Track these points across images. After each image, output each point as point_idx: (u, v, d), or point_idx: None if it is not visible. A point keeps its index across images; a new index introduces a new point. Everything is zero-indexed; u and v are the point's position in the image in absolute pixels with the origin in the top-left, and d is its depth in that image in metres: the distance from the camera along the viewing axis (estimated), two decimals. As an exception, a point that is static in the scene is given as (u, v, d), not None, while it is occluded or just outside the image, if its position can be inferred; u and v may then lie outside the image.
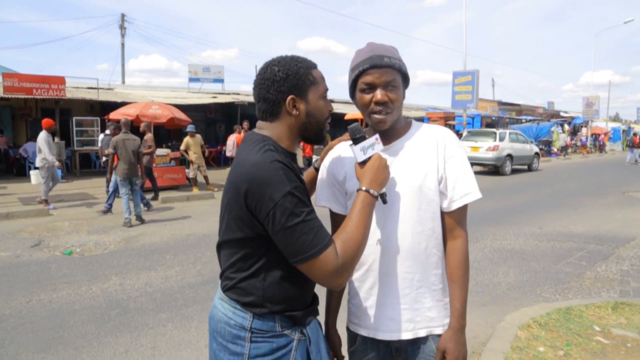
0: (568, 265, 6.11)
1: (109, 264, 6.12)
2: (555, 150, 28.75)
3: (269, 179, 1.28)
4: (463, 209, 1.58)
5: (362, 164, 1.45)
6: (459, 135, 20.03)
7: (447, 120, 25.23)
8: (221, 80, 25.66)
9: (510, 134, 18.97)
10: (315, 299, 1.54)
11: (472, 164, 16.88)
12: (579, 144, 32.08)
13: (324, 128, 1.50)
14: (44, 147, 9.63)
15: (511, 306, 4.59)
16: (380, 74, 1.49)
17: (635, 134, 27.03)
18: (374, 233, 1.57)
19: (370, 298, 1.61)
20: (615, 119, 57.09)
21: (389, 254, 1.56)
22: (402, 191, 1.55)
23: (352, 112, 20.86)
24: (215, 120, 23.56)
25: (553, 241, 7.38)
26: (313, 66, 1.46)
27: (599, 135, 35.71)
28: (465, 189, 1.56)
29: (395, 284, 1.57)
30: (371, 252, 1.58)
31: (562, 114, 46.38)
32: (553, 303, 4.54)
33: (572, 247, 6.98)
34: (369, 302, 1.62)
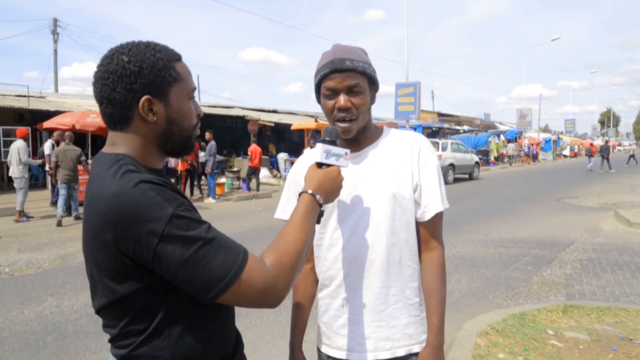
0: (516, 270, 6.27)
1: (44, 284, 5.65)
2: (493, 159, 30.11)
3: (140, 209, 0.96)
4: (438, 219, 1.51)
5: (319, 166, 1.32)
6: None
7: (390, 130, 25.70)
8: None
9: (452, 144, 19.62)
10: (239, 339, 1.28)
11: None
12: (516, 154, 33.73)
13: (192, 136, 1.19)
14: (24, 156, 9.73)
15: (467, 313, 4.61)
16: (342, 79, 1.40)
17: (592, 144, 30.82)
18: (345, 245, 1.47)
19: (342, 316, 1.51)
20: (545, 129, 60.63)
21: (362, 268, 1.47)
22: (375, 199, 1.46)
23: (298, 122, 20.82)
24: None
25: (499, 247, 7.58)
26: (177, 57, 1.14)
27: (532, 145, 37.71)
28: (439, 197, 1.49)
29: (370, 299, 1.47)
30: (342, 265, 1.48)
31: (497, 124, 48.62)
32: (507, 309, 4.61)
33: (518, 252, 7.20)
34: (340, 320, 1.51)
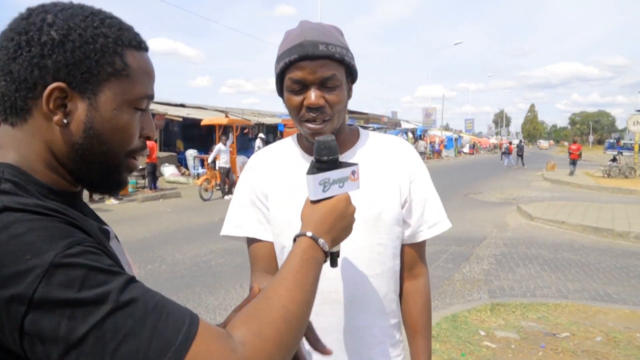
0: (438, 268, 6.29)
1: None
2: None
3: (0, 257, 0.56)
4: (425, 241, 1.29)
5: (316, 203, 0.90)
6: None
7: (303, 127, 25.59)
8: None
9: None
10: None
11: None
12: (425, 151, 35.25)
13: (121, 166, 0.77)
14: None
15: (397, 317, 4.47)
16: (314, 69, 1.07)
17: (510, 143, 34.31)
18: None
19: None
20: (447, 128, 64.31)
21: (339, 306, 1.17)
22: (355, 223, 1.13)
23: (208, 117, 19.88)
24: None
25: (419, 244, 7.63)
26: (133, 44, 0.74)
27: (435, 142, 39.76)
28: (435, 217, 1.26)
29: (347, 343, 1.18)
30: (315, 304, 1.14)
31: (403, 122, 50.76)
32: (439, 312, 4.52)
33: (437, 249, 7.27)
34: None
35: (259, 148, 22.02)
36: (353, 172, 0.90)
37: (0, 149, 0.71)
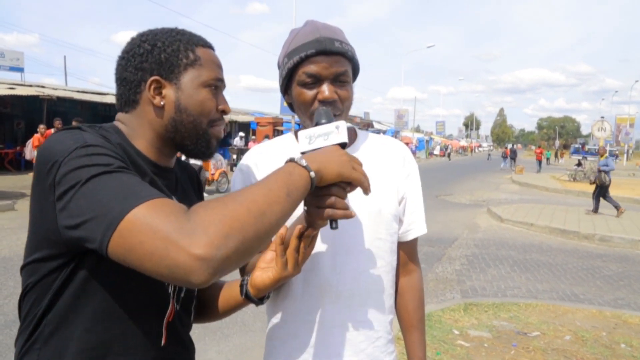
0: (411, 268, 6.34)
1: None
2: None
3: (54, 143, 0.84)
4: (417, 238, 1.33)
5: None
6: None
7: (275, 125, 25.48)
8: (20, 69, 21.94)
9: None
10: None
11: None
12: None
13: (208, 132, 1.01)
14: None
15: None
16: (330, 64, 1.11)
17: (506, 147, 36.47)
18: (319, 273, 1.16)
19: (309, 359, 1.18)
20: (418, 130, 65.09)
21: (339, 300, 1.17)
22: (356, 217, 1.16)
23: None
24: (12, 115, 19.97)
25: (392, 244, 7.69)
26: (201, 43, 1.02)
27: (408, 144, 40.27)
28: (423, 217, 1.31)
29: (350, 337, 1.19)
30: (315, 298, 1.17)
31: (375, 123, 51.16)
32: (414, 310, 4.56)
33: (410, 249, 7.35)
34: None
35: (236, 146, 22.00)
36: (337, 127, 0.98)
37: (118, 125, 1.00)
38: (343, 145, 0.97)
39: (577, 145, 58.32)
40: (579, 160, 24.44)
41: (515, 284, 5.87)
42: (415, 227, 1.28)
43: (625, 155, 49.12)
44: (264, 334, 1.31)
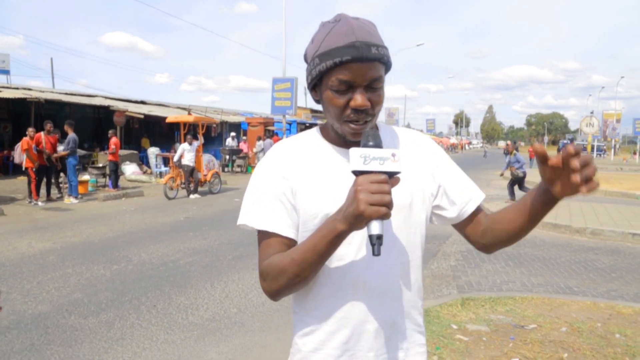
0: (407, 264, 6.37)
1: None
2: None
3: None
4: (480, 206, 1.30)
5: (358, 174, 0.97)
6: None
7: (266, 125, 25.45)
8: (6, 72, 21.63)
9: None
10: None
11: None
12: None
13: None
14: None
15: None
16: (365, 70, 1.07)
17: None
18: (351, 268, 1.13)
19: (343, 355, 1.16)
20: (409, 128, 65.15)
21: (373, 296, 1.15)
22: None
23: (170, 114, 19.43)
24: (-1, 119, 19.74)
25: (387, 242, 7.72)
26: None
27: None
28: (475, 185, 1.30)
29: (385, 334, 1.17)
30: (346, 293, 1.14)
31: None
32: (412, 306, 4.58)
33: (405, 246, 7.38)
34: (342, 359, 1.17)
35: (227, 147, 21.92)
36: (393, 155, 0.97)
37: None
38: (392, 174, 0.97)
39: (565, 141, 58.92)
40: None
41: (510, 278, 5.91)
42: (474, 197, 1.25)
43: (612, 150, 49.74)
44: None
